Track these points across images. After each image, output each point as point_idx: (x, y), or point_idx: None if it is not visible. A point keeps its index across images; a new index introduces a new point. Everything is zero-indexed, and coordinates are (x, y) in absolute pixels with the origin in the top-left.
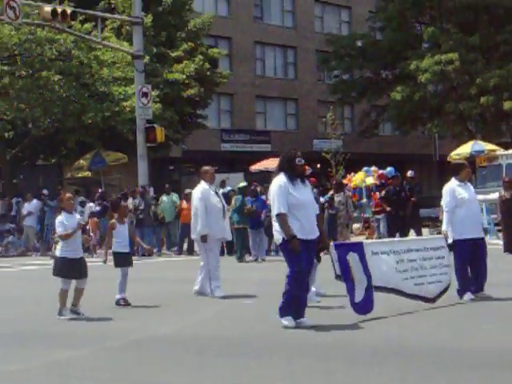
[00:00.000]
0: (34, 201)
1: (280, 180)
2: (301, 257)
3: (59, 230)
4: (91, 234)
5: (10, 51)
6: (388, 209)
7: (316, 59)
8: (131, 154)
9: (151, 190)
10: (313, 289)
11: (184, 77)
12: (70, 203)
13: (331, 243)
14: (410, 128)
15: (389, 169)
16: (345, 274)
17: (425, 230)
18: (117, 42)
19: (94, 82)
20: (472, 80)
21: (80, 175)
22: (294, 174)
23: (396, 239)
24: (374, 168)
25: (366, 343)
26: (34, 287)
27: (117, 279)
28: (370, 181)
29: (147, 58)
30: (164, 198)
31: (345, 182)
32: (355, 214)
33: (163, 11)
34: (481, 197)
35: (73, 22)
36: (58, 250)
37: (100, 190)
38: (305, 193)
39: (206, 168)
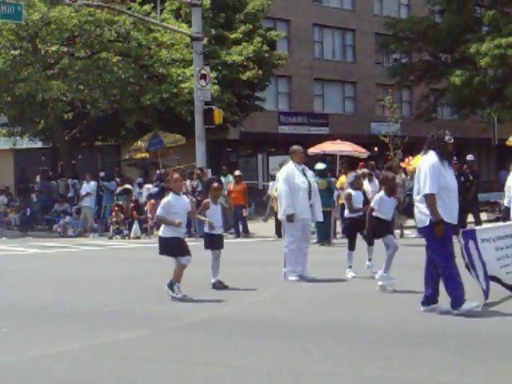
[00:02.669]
0: (93, 182)
1: (432, 159)
2: (448, 239)
3: (159, 211)
4: (149, 216)
5: (70, 32)
6: None
7: (375, 42)
8: (189, 136)
9: (209, 171)
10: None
11: (242, 59)
12: (178, 184)
13: (460, 230)
14: (469, 112)
15: None
16: (470, 262)
17: (482, 215)
18: (175, 24)
19: (153, 63)
20: None
21: (138, 156)
22: (445, 154)
23: (498, 225)
24: None
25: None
26: (96, 267)
27: (210, 262)
28: None
29: (205, 39)
30: (221, 179)
31: (403, 165)
32: None
33: None
34: None
35: (132, 4)
36: (161, 231)
37: (158, 172)
38: (452, 176)
39: (295, 148)
